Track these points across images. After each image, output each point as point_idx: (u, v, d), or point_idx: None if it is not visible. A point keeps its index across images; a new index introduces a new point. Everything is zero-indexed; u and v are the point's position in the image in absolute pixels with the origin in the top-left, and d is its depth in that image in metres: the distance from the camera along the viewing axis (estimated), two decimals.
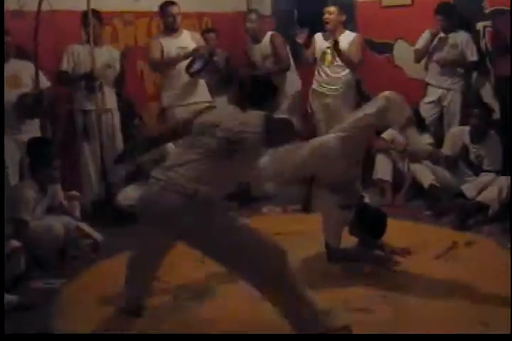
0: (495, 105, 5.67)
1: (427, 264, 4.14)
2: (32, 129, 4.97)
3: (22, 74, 4.94)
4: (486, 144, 5.27)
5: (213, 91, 6.14)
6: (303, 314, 2.96)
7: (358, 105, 5.77)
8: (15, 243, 4.04)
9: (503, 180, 5.02)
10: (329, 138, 3.97)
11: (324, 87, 5.85)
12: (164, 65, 5.74)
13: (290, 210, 5.58)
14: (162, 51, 5.74)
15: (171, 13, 5.72)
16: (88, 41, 5.31)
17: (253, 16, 6.09)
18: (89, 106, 5.49)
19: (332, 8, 5.78)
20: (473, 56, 5.78)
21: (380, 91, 4.06)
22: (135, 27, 6.33)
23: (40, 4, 4.77)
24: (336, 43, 5.52)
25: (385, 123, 4.18)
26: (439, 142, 5.67)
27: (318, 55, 5.90)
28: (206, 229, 2.85)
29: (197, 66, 5.71)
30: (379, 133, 5.45)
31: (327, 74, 5.83)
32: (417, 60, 6.06)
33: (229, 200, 3.38)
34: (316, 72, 5.94)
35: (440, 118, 6.01)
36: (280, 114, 3.71)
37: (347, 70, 5.79)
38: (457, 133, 5.45)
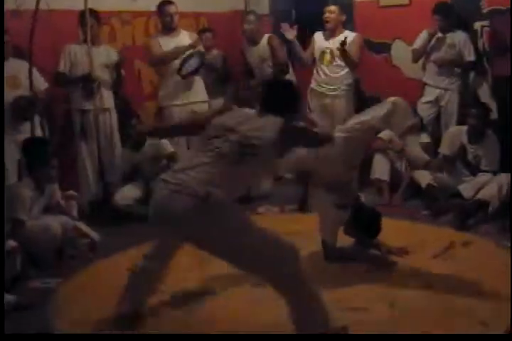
0: (492, 105, 5.68)
1: (424, 264, 4.14)
2: (29, 129, 4.96)
3: (21, 74, 4.95)
4: (484, 144, 5.27)
5: (210, 90, 6.15)
6: (314, 313, 2.95)
7: (356, 105, 5.78)
8: (12, 243, 4.03)
9: (503, 177, 5.01)
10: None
11: (323, 86, 5.84)
12: (165, 60, 5.72)
13: (287, 210, 5.58)
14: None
15: (168, 12, 5.72)
16: (86, 41, 5.31)
17: (251, 18, 6.07)
18: (87, 106, 5.49)
19: (333, 8, 5.76)
20: (470, 56, 5.79)
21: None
22: (133, 26, 6.33)
23: (37, 3, 4.77)
24: (343, 43, 5.49)
25: (388, 128, 4.17)
26: (436, 142, 5.68)
27: (317, 54, 5.88)
28: (218, 231, 2.82)
29: (189, 68, 5.70)
30: (376, 133, 5.44)
31: (326, 74, 5.81)
32: (415, 60, 6.06)
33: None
34: (315, 72, 5.92)
35: (437, 118, 6.01)
36: None
37: (346, 70, 5.78)
38: (455, 133, 5.45)
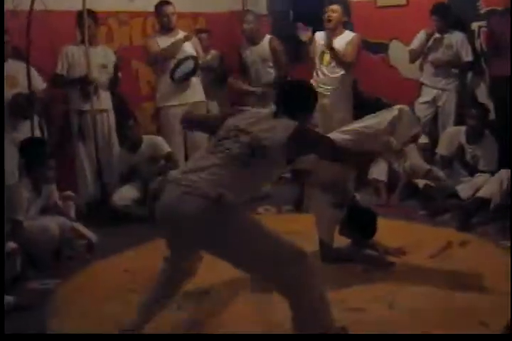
0: (490, 105, 5.68)
1: (422, 264, 4.14)
2: (28, 129, 4.96)
3: (19, 74, 4.95)
4: (482, 145, 5.27)
5: (208, 90, 6.16)
6: (316, 321, 2.90)
7: (355, 106, 5.77)
8: (12, 244, 4.03)
9: (503, 173, 4.96)
10: (335, 137, 3.94)
11: (321, 87, 5.82)
12: (162, 57, 5.71)
13: (285, 210, 5.58)
14: None
15: (166, 12, 5.72)
16: (83, 41, 5.31)
17: (250, 17, 6.07)
18: (85, 107, 5.49)
19: (335, 7, 5.69)
20: (468, 56, 5.80)
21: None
22: (130, 27, 6.33)
23: (32, 3, 4.77)
24: (329, 42, 5.48)
25: (391, 135, 4.15)
26: (433, 142, 5.68)
27: (317, 54, 5.84)
28: (228, 232, 2.77)
29: (180, 73, 5.70)
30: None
31: (324, 74, 5.76)
32: (412, 60, 6.06)
33: None
34: (314, 72, 5.90)
35: (435, 118, 6.02)
36: None
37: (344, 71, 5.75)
38: (453, 133, 5.45)
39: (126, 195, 5.44)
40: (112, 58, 5.65)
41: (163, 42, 5.75)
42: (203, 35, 6.46)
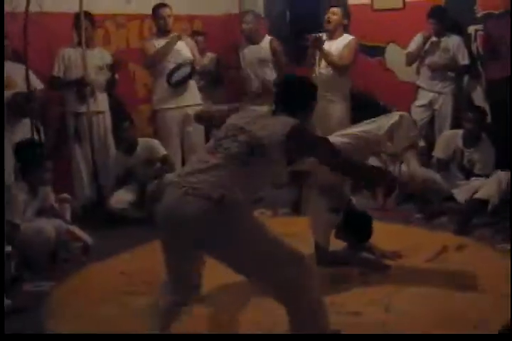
0: (486, 109, 5.68)
1: (418, 267, 4.15)
2: (25, 130, 4.95)
3: (16, 76, 4.95)
4: (479, 148, 5.25)
5: (204, 93, 6.16)
6: (313, 327, 2.86)
7: (352, 108, 5.76)
8: (7, 247, 4.02)
9: (502, 174, 4.93)
10: (334, 140, 3.93)
11: (320, 89, 5.78)
12: (158, 57, 5.70)
13: (281, 213, 5.58)
14: None
15: (162, 15, 5.72)
16: (80, 44, 5.31)
17: (249, 17, 6.08)
18: (81, 109, 5.48)
19: (336, 9, 5.68)
20: (464, 60, 5.81)
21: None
22: (127, 29, 6.33)
23: (27, 5, 4.76)
24: (318, 42, 5.47)
25: (389, 141, 4.14)
26: (430, 146, 5.68)
27: (316, 56, 5.82)
28: (230, 234, 2.72)
29: (177, 77, 5.70)
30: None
31: (322, 76, 5.75)
32: (409, 64, 6.07)
33: None
34: (314, 75, 5.87)
35: (431, 121, 6.02)
36: None
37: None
38: (450, 137, 5.44)
39: (122, 198, 5.43)
40: (108, 60, 5.64)
41: (160, 44, 5.74)
42: (200, 38, 6.47)
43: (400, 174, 5.52)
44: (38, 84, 5.11)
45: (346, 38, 5.68)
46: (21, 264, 4.17)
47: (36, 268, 4.27)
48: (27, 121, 4.95)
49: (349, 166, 3.13)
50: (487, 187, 4.90)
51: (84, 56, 5.30)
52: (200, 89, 6.11)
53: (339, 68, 5.59)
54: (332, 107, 5.71)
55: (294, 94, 3.04)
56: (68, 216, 4.80)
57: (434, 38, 5.86)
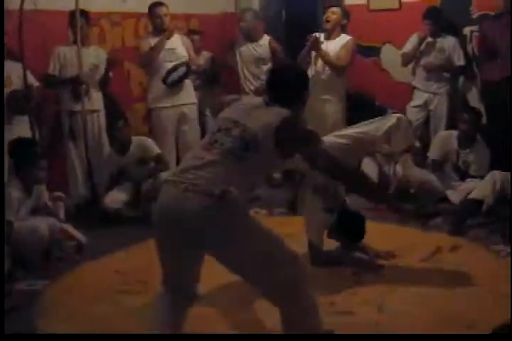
0: (481, 110, 5.69)
1: (412, 267, 4.15)
2: (21, 128, 4.94)
3: (11, 74, 4.93)
4: (474, 150, 5.26)
5: (199, 92, 6.15)
6: (306, 328, 2.84)
7: (348, 109, 5.75)
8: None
9: (496, 174, 4.89)
10: (330, 140, 3.93)
11: (315, 89, 5.77)
12: (152, 55, 5.70)
13: (276, 213, 5.58)
14: None
15: (159, 14, 5.71)
16: (75, 42, 5.30)
17: (248, 15, 6.09)
18: (76, 108, 5.47)
19: (335, 9, 5.66)
20: (460, 61, 5.83)
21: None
22: (122, 28, 6.31)
23: (22, 2, 4.75)
24: (316, 42, 5.47)
25: (386, 143, 4.15)
26: (425, 146, 5.69)
27: (313, 55, 5.75)
28: (230, 231, 2.66)
29: (173, 78, 5.70)
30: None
31: (318, 76, 5.75)
32: (405, 64, 6.08)
33: None
34: (309, 73, 5.85)
35: (426, 122, 6.03)
36: None
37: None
38: (445, 137, 5.43)
39: (117, 197, 5.42)
40: (103, 58, 5.63)
41: None
42: (196, 37, 6.46)
43: (395, 174, 5.54)
44: (33, 82, 5.10)
45: (344, 38, 5.67)
46: (14, 263, 4.15)
47: (30, 266, 4.26)
48: (23, 119, 4.94)
49: (338, 169, 3.04)
50: (482, 187, 4.88)
51: (80, 54, 5.29)
52: (196, 88, 6.12)
53: (336, 69, 5.58)
54: (328, 107, 5.70)
55: (284, 83, 2.95)
56: (62, 214, 4.78)
57: (429, 39, 5.87)
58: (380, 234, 4.52)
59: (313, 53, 5.69)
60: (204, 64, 6.51)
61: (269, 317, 3.21)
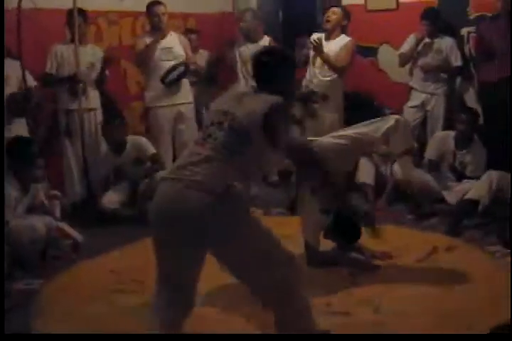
0: (478, 110, 5.69)
1: (408, 268, 4.15)
2: (19, 128, 4.93)
3: (9, 72, 4.91)
4: (471, 150, 5.26)
5: (196, 91, 6.15)
6: (301, 327, 2.83)
7: (345, 110, 5.75)
8: None
9: (492, 174, 4.87)
10: (329, 141, 3.92)
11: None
12: (146, 54, 5.69)
13: (274, 213, 5.57)
14: None
15: (157, 12, 5.70)
16: (73, 40, 5.30)
17: (248, 16, 6.09)
18: (73, 106, 5.47)
19: (336, 9, 5.67)
20: (457, 61, 5.83)
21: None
22: (119, 26, 6.30)
23: (20, 1, 4.74)
24: (317, 43, 5.45)
25: (385, 145, 4.14)
26: (422, 146, 5.69)
27: (311, 55, 5.76)
28: (235, 230, 2.62)
29: (172, 78, 5.70)
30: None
31: (316, 77, 5.72)
32: (402, 64, 6.07)
33: None
34: (307, 74, 5.85)
35: (423, 122, 6.03)
36: None
37: (336, 74, 5.71)
38: (442, 138, 5.44)
39: (114, 197, 5.41)
40: (100, 57, 5.62)
41: None
42: (193, 36, 6.46)
43: (392, 174, 5.55)
44: (31, 80, 5.09)
45: (343, 39, 5.65)
46: (12, 262, 4.14)
47: (27, 266, 4.24)
48: (21, 119, 4.93)
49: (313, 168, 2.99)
50: (478, 187, 4.88)
51: (77, 53, 5.28)
52: (193, 86, 6.11)
53: (337, 70, 5.58)
54: (325, 107, 5.70)
55: (268, 65, 2.85)
56: (58, 213, 4.77)
57: (427, 40, 5.87)
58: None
59: (312, 53, 5.70)
60: (201, 63, 6.51)
61: (270, 316, 3.21)
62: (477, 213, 4.87)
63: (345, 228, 4.08)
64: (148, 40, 5.73)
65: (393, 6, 6.41)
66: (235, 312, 3.54)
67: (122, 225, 5.12)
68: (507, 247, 4.42)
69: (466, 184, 5.16)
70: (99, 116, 5.68)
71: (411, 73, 6.07)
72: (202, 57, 6.57)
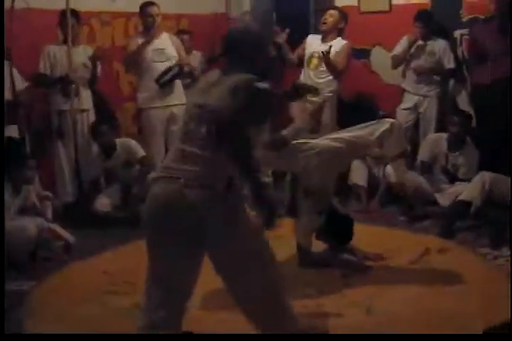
0: (471, 113, 5.70)
1: (400, 269, 4.16)
2: (10, 129, 4.91)
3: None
4: (464, 152, 5.27)
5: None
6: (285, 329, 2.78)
7: (339, 112, 5.75)
8: None
9: (485, 175, 4.88)
10: (325, 143, 3.92)
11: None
12: (133, 57, 5.69)
13: None
14: None
15: (150, 13, 5.69)
16: (65, 41, 5.28)
17: (246, 17, 6.09)
18: (65, 107, 5.46)
19: (333, 12, 5.68)
20: (450, 64, 5.85)
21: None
22: (112, 27, 6.28)
23: (13, 1, 4.73)
24: (327, 52, 5.40)
25: (379, 148, 4.15)
26: (414, 148, 5.70)
27: (306, 57, 5.77)
28: (234, 229, 2.58)
29: (166, 78, 5.70)
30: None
31: (310, 78, 5.70)
32: (394, 67, 6.08)
33: None
34: (301, 75, 5.83)
35: (416, 124, 6.04)
36: None
37: (330, 76, 5.66)
38: (434, 140, 5.44)
39: (106, 201, 5.40)
40: (92, 57, 5.60)
41: None
42: (185, 37, 6.45)
43: (384, 176, 5.55)
44: (21, 82, 5.06)
45: (339, 42, 5.64)
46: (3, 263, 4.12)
47: (17, 267, 4.22)
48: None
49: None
50: (470, 188, 4.89)
51: (70, 54, 5.26)
52: (186, 88, 6.09)
53: (336, 73, 5.58)
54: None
55: (236, 45, 2.71)
56: (49, 214, 4.76)
57: (420, 42, 5.88)
58: (369, 236, 4.53)
59: (307, 54, 5.71)
60: (195, 64, 6.50)
61: None
62: (470, 215, 4.88)
63: (337, 229, 4.08)
64: (140, 40, 5.72)
65: (386, 8, 6.42)
66: (235, 312, 3.53)
67: (114, 227, 5.10)
68: (497, 249, 4.45)
69: (458, 186, 5.16)
70: (92, 116, 5.66)
71: (404, 75, 6.08)
72: (195, 58, 6.55)
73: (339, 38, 5.70)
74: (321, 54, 5.44)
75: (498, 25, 5.51)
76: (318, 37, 5.76)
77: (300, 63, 5.85)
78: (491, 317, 3.27)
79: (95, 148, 5.61)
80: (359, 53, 6.53)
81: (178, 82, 5.86)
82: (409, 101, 6.01)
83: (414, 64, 5.92)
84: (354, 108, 5.74)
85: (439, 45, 5.85)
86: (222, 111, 2.47)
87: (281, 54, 5.89)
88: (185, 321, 2.73)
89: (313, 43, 5.76)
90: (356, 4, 6.58)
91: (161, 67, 5.71)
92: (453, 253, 4.47)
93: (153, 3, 5.71)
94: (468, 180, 5.09)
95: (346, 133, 4.00)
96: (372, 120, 4.13)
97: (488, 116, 5.48)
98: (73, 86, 5.36)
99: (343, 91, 5.93)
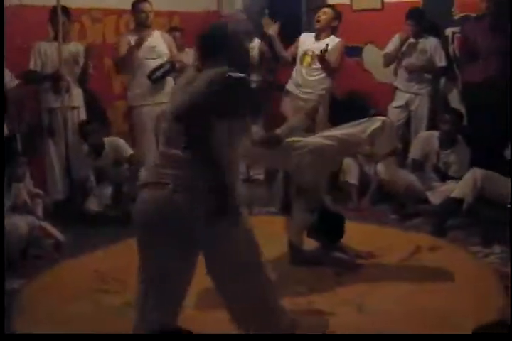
0: (462, 111, 5.71)
1: (391, 267, 4.16)
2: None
3: None
4: (455, 150, 5.27)
5: None
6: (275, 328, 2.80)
7: (331, 110, 5.74)
8: None
9: (477, 172, 4.85)
10: (317, 141, 3.91)
11: (298, 89, 5.78)
12: (126, 58, 5.68)
13: (257, 212, 5.55)
14: None
15: (143, 10, 5.67)
16: (56, 38, 5.25)
17: (238, 16, 6.07)
18: (56, 104, 5.43)
19: (327, 10, 5.69)
20: (441, 62, 5.85)
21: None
22: (103, 24, 6.26)
23: None
24: (324, 50, 5.39)
25: (370, 146, 4.15)
26: (405, 146, 5.70)
27: (299, 55, 5.77)
28: (226, 230, 2.58)
29: (159, 75, 5.69)
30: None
31: (302, 76, 5.72)
32: (386, 65, 6.08)
33: None
34: (293, 73, 5.83)
35: (407, 122, 6.04)
36: None
37: (323, 74, 5.66)
38: (425, 138, 5.44)
39: (97, 200, 5.37)
40: (82, 54, 5.58)
41: None
42: (177, 34, 6.43)
43: (376, 174, 5.55)
44: (10, 79, 5.03)
45: (333, 40, 5.64)
46: None
47: (8, 265, 4.20)
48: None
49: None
50: (462, 185, 4.88)
51: (60, 51, 5.24)
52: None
53: (330, 71, 5.59)
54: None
55: (208, 42, 2.72)
56: (40, 212, 4.75)
57: (411, 40, 5.88)
58: (361, 234, 4.53)
59: (301, 52, 5.70)
60: (187, 61, 6.48)
61: None
62: (461, 212, 4.88)
63: (328, 227, 4.09)
64: (131, 38, 5.70)
65: (378, 6, 6.42)
66: None
67: (105, 225, 5.09)
68: (488, 247, 4.47)
69: (449, 184, 5.15)
70: (83, 114, 5.63)
71: (395, 73, 6.08)
72: (188, 56, 6.53)
73: (333, 36, 5.70)
74: (317, 52, 5.45)
75: (489, 23, 5.51)
76: (312, 35, 5.75)
77: (293, 61, 5.85)
78: (481, 315, 3.27)
79: (85, 146, 5.60)
80: (351, 51, 6.52)
81: (169, 80, 5.84)
82: (400, 99, 6.01)
83: (405, 62, 5.92)
84: (346, 106, 5.72)
85: (430, 43, 5.85)
86: (184, 102, 2.47)
87: (273, 48, 5.90)
88: (180, 321, 2.72)
89: (307, 41, 5.75)
90: (348, 2, 6.57)
91: (153, 64, 5.70)
92: (444, 251, 4.48)
93: (145, 0, 5.69)
94: (460, 178, 5.08)
95: (338, 131, 4.00)
96: (365, 118, 4.13)
97: (479, 114, 5.49)
98: (64, 83, 5.34)
99: (335, 89, 5.93)
